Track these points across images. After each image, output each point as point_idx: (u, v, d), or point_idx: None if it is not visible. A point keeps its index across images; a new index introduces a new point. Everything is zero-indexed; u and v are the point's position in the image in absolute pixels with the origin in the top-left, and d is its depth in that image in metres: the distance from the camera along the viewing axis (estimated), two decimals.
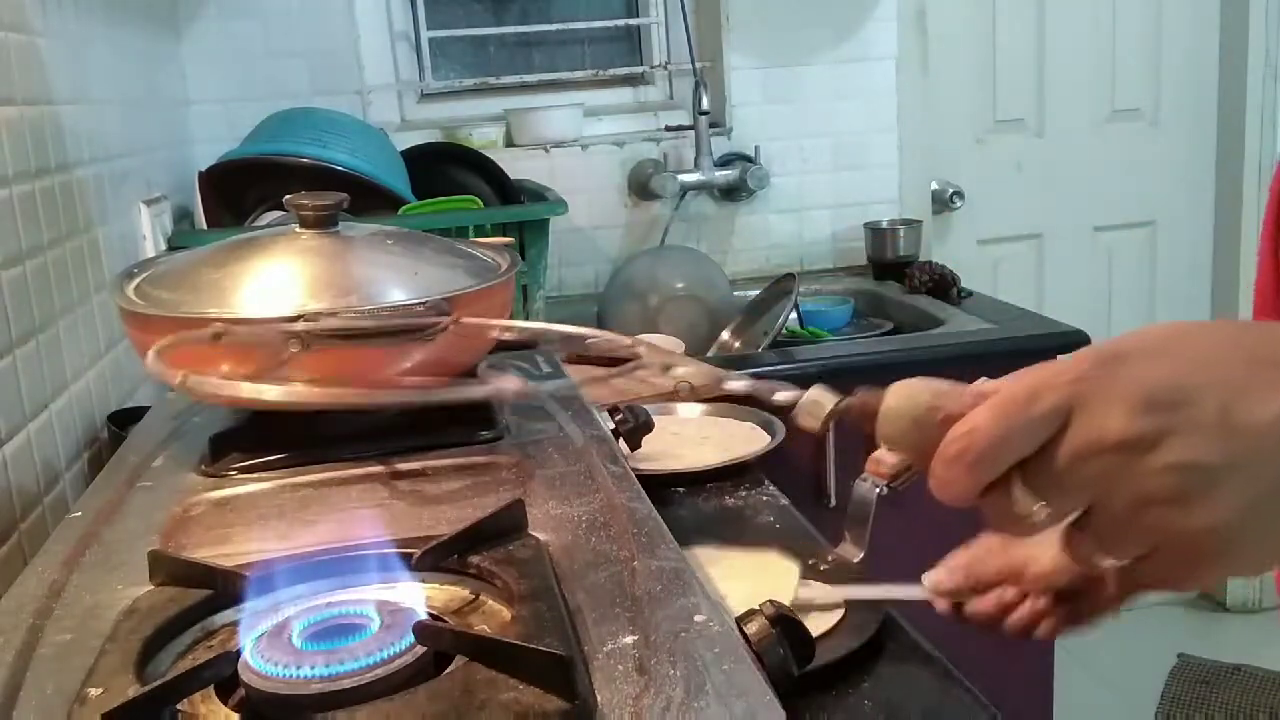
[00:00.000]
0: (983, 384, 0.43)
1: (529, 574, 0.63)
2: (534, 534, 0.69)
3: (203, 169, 1.81)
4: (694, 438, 1.22)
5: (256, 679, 0.55)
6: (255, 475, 0.85)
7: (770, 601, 0.67)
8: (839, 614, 0.81)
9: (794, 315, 2.05)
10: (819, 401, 0.48)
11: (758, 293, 2.08)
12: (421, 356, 0.87)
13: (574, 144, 2.26)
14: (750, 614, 0.67)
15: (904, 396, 0.44)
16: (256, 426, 0.92)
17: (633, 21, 2.40)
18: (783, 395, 0.49)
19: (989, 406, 0.41)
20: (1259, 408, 0.39)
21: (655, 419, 1.14)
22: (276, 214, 1.75)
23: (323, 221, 0.92)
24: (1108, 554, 0.41)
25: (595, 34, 2.39)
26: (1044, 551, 0.60)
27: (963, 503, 0.42)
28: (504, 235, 1.31)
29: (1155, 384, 0.39)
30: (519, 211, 1.82)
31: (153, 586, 0.64)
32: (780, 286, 2.02)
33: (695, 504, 1.08)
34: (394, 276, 0.90)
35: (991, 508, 0.42)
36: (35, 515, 0.96)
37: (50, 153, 1.11)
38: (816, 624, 0.78)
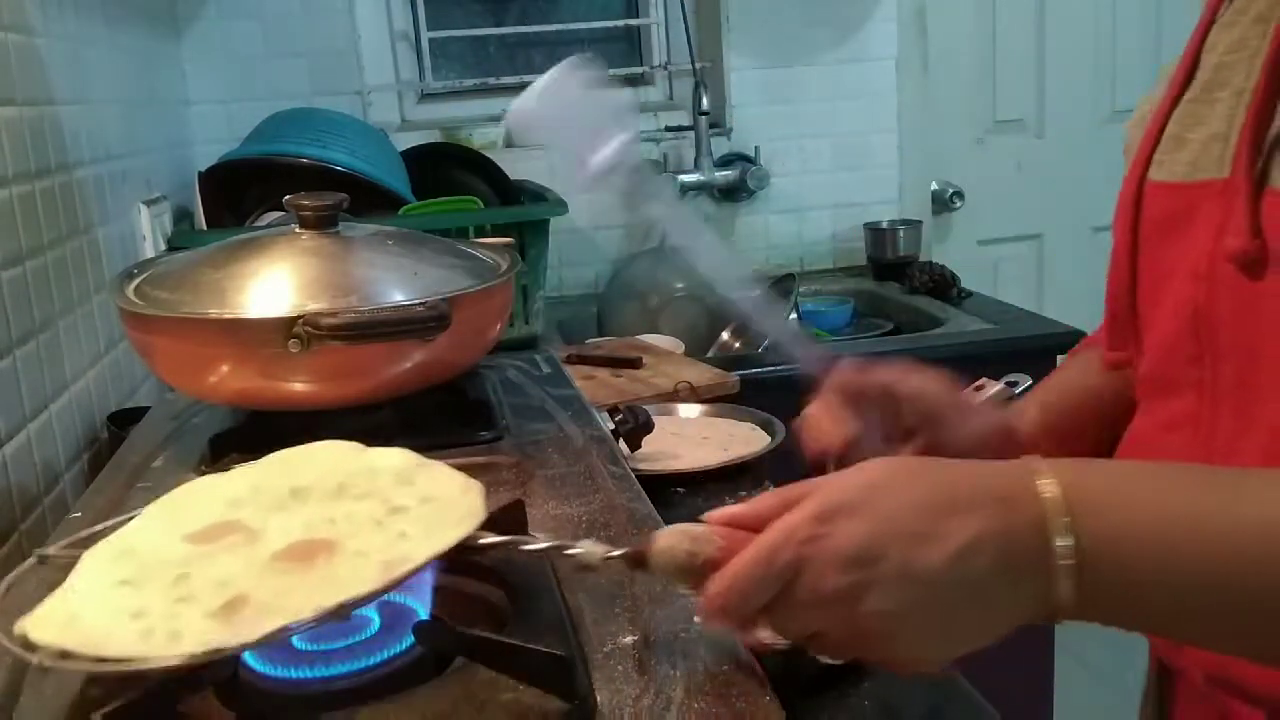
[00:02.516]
0: (727, 517, 0.54)
1: (529, 574, 0.63)
2: (534, 534, 0.69)
3: (203, 169, 1.81)
4: (694, 438, 1.22)
5: (256, 679, 0.55)
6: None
7: None
8: None
9: (794, 315, 2.05)
10: (591, 552, 0.56)
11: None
12: (421, 357, 0.87)
13: None
14: None
15: (666, 547, 0.54)
16: (256, 426, 0.92)
17: (632, 22, 2.40)
18: (570, 550, 0.57)
19: (738, 565, 0.51)
20: (932, 552, 0.49)
21: (655, 419, 1.13)
22: (276, 214, 1.75)
23: (323, 222, 0.92)
24: (830, 658, 0.57)
25: (595, 34, 2.39)
26: None
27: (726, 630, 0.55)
28: (504, 236, 1.31)
29: (854, 545, 0.50)
30: (519, 212, 1.82)
31: None
32: (780, 287, 2.02)
33: (695, 504, 1.08)
34: (394, 277, 0.90)
35: (744, 634, 0.55)
36: (35, 515, 0.96)
37: (50, 153, 1.11)
38: None
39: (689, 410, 1.31)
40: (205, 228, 1.71)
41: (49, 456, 1.01)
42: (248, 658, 0.56)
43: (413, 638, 0.56)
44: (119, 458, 0.94)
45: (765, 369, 1.69)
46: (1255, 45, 0.60)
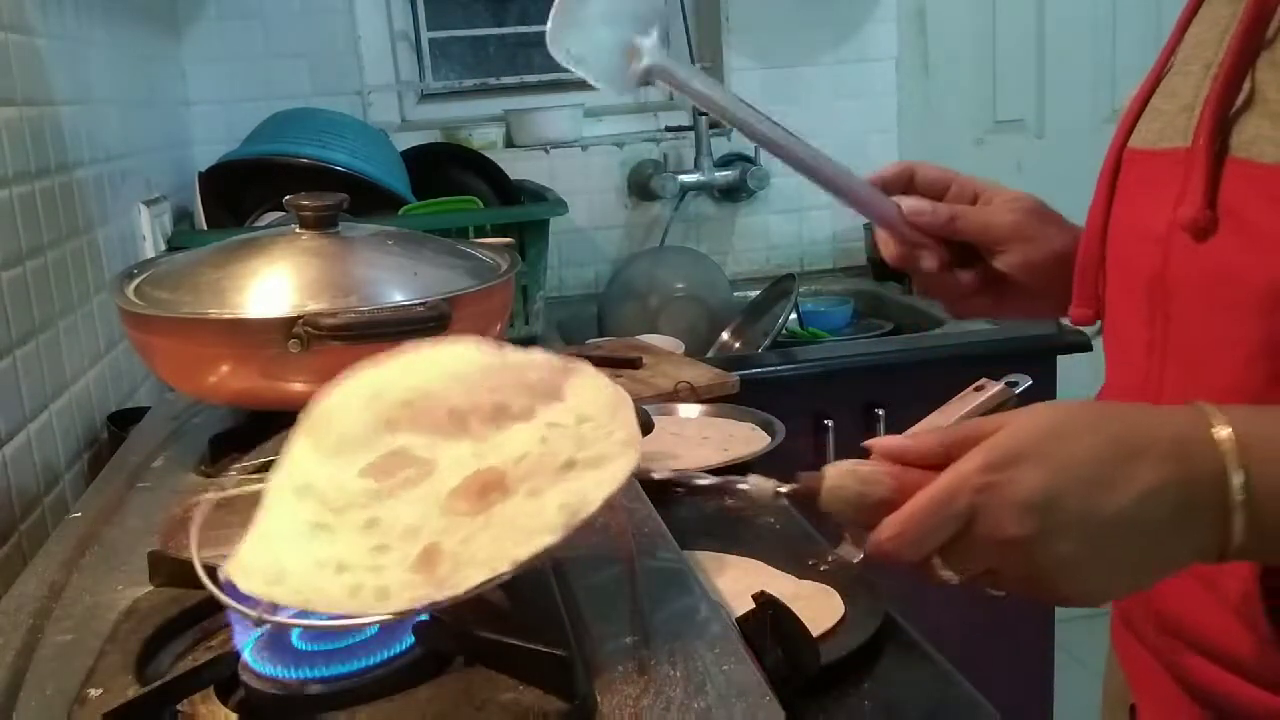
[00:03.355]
0: (892, 451, 0.55)
1: (529, 574, 0.62)
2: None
3: (203, 169, 1.81)
4: (694, 438, 1.22)
5: (256, 679, 0.55)
6: (255, 475, 0.85)
7: (770, 601, 0.67)
8: (839, 614, 0.81)
9: (794, 316, 2.05)
10: (761, 487, 0.58)
11: (758, 293, 2.07)
12: None
13: (574, 144, 2.26)
14: (751, 614, 0.67)
15: (836, 485, 0.56)
16: (256, 427, 0.92)
17: None
18: (740, 485, 0.59)
19: (912, 510, 0.52)
20: (1112, 499, 0.50)
21: (655, 419, 1.13)
22: (276, 214, 1.75)
23: (322, 222, 0.92)
24: (999, 592, 0.56)
25: None
26: None
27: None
28: (504, 236, 1.31)
29: (1032, 492, 0.51)
30: (519, 212, 1.82)
31: (153, 587, 0.64)
32: (780, 287, 2.01)
33: (695, 504, 1.08)
34: (394, 277, 0.90)
35: (918, 571, 0.54)
36: (35, 515, 0.96)
37: (50, 153, 1.11)
38: (816, 624, 0.78)
39: (689, 410, 1.31)
40: (205, 228, 1.71)
41: (49, 456, 1.01)
42: (248, 658, 0.56)
43: (413, 638, 0.56)
44: (119, 458, 0.94)
45: (765, 369, 1.69)
46: (1226, 23, 0.63)
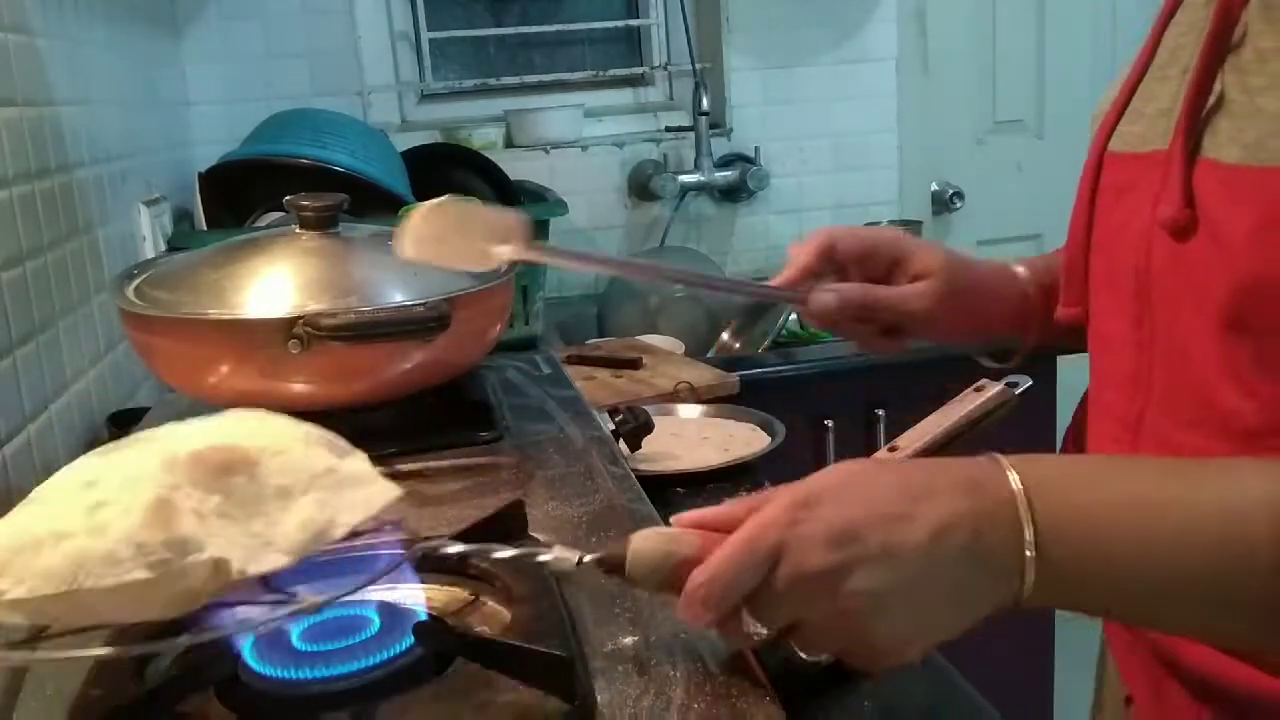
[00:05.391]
0: (696, 520, 0.56)
1: (529, 575, 0.63)
2: (534, 535, 0.69)
3: (203, 169, 1.81)
4: (694, 438, 1.22)
5: (256, 679, 0.55)
6: None
7: None
8: None
9: (794, 316, 2.05)
10: (564, 558, 0.56)
11: None
12: (421, 357, 0.87)
13: (574, 145, 2.26)
14: None
15: (642, 549, 0.55)
16: None
17: (633, 22, 2.40)
18: (543, 557, 0.57)
19: (720, 555, 0.52)
20: (910, 531, 0.51)
21: (655, 419, 1.13)
22: (276, 214, 1.75)
23: (323, 222, 0.93)
24: (809, 653, 0.56)
25: (595, 35, 2.39)
26: None
27: (705, 628, 0.54)
28: None
29: (836, 526, 0.51)
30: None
31: None
32: None
33: (695, 505, 1.08)
34: (394, 277, 0.90)
35: (724, 628, 0.54)
36: None
37: (50, 153, 1.11)
38: None
39: (689, 410, 1.31)
40: (205, 228, 1.71)
41: (49, 456, 1.01)
42: (248, 659, 0.56)
43: (413, 638, 0.56)
44: None
45: (765, 369, 1.69)
46: (1201, 27, 0.64)
